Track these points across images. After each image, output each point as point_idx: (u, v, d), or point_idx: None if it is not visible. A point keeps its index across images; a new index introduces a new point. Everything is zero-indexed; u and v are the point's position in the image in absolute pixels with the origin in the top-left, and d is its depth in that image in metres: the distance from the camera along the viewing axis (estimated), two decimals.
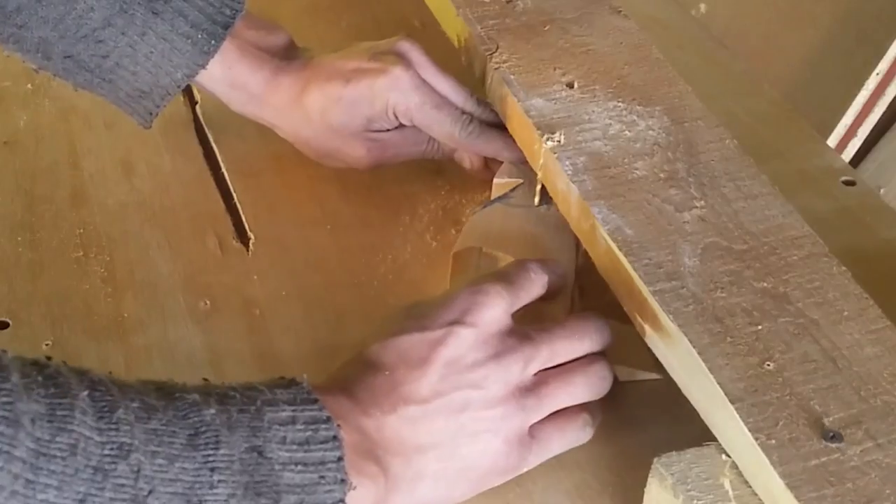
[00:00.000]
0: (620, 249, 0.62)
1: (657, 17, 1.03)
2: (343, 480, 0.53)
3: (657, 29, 0.98)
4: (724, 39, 1.04)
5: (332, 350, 0.70)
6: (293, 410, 0.54)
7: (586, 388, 0.62)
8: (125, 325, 0.70)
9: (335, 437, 0.54)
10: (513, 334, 0.61)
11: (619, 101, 0.73)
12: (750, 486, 0.55)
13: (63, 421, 0.47)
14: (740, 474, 0.55)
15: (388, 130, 0.78)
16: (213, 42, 0.75)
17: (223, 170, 0.83)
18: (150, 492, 0.48)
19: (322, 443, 0.53)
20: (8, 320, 0.70)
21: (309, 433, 0.53)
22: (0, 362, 0.47)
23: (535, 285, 0.64)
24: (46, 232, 0.77)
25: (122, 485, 0.47)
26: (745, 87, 0.96)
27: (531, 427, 0.61)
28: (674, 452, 0.56)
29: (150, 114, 0.78)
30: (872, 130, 1.67)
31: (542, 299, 0.65)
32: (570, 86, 0.74)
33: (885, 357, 0.58)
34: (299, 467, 0.52)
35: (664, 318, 0.58)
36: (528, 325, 0.63)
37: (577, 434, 0.63)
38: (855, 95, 1.65)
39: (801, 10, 1.67)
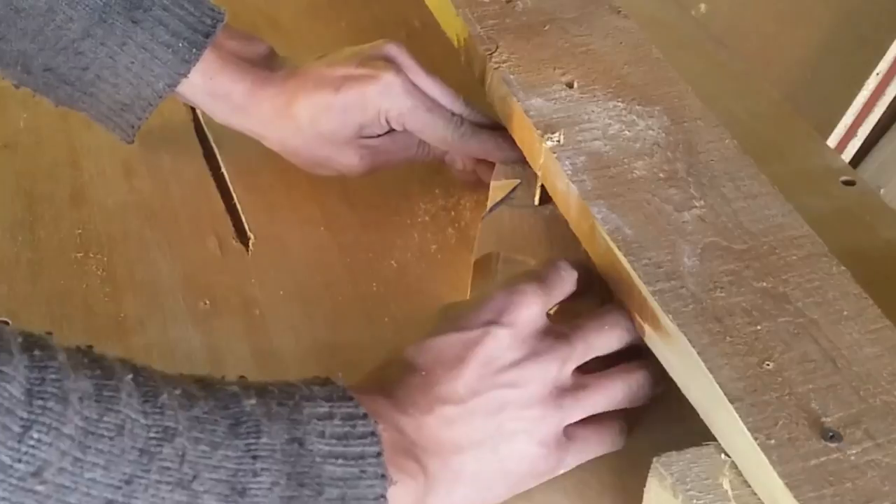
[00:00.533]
0: (620, 249, 0.62)
1: (657, 16, 1.03)
2: (383, 476, 0.53)
3: (657, 29, 0.98)
4: (725, 39, 1.04)
5: (332, 350, 0.70)
6: (330, 406, 0.54)
7: (625, 393, 0.62)
8: (125, 325, 0.70)
9: (373, 433, 0.54)
10: (549, 333, 0.61)
11: (618, 101, 0.73)
12: (749, 486, 0.55)
13: (110, 401, 0.47)
14: (740, 474, 0.55)
15: (379, 136, 0.77)
16: (193, 51, 0.74)
17: (223, 170, 0.83)
18: (194, 477, 0.48)
19: (360, 438, 0.54)
20: (8, 320, 0.70)
21: (347, 428, 0.54)
22: (46, 342, 0.47)
23: (567, 283, 0.64)
24: (46, 232, 0.77)
25: (168, 468, 0.48)
26: (745, 87, 0.96)
27: (568, 429, 0.61)
28: (673, 452, 0.56)
29: (133, 127, 0.77)
30: (872, 130, 1.67)
31: (573, 296, 0.65)
32: (570, 85, 0.74)
33: (884, 357, 0.58)
34: (340, 461, 0.53)
35: (663, 317, 0.58)
36: (562, 322, 0.63)
37: (614, 439, 0.63)
38: (855, 95, 1.65)
39: (802, 11, 1.67)
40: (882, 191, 1.60)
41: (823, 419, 0.54)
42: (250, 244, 0.77)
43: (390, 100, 0.75)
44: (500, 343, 0.59)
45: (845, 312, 0.60)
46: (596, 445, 0.63)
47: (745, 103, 0.93)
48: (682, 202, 0.66)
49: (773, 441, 0.53)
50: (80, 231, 0.77)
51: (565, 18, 0.80)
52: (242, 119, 0.78)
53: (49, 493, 0.44)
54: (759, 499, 0.54)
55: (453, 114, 0.77)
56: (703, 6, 1.59)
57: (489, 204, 0.77)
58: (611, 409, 0.63)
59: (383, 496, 0.53)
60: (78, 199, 0.80)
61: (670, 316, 0.58)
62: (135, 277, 0.74)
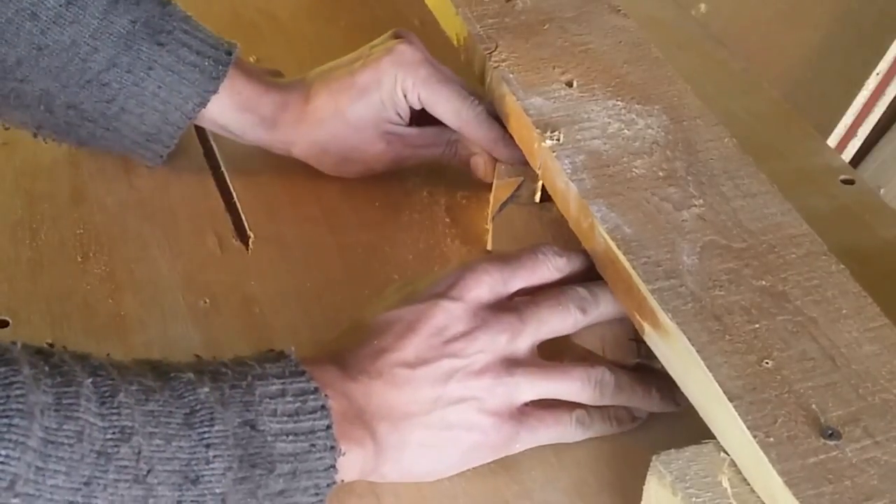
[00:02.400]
0: (619, 248, 0.62)
1: (656, 16, 1.03)
2: (333, 447, 0.55)
3: (656, 28, 0.98)
4: (724, 39, 1.04)
5: None
6: (282, 383, 0.56)
7: (583, 385, 0.62)
8: (125, 324, 0.70)
9: (323, 407, 0.56)
10: (501, 308, 0.62)
11: (618, 100, 0.73)
12: (748, 484, 0.55)
13: (69, 409, 0.48)
14: (739, 472, 0.55)
15: (405, 127, 0.78)
16: (220, 67, 0.75)
17: (223, 169, 0.83)
18: (149, 471, 0.50)
19: (311, 413, 0.55)
20: (8, 319, 0.70)
21: (298, 404, 0.55)
22: (11, 355, 0.48)
23: (542, 266, 0.65)
24: (46, 231, 0.77)
25: (125, 466, 0.49)
26: (744, 87, 0.96)
27: (523, 408, 0.62)
28: (672, 450, 0.56)
29: (160, 156, 0.78)
30: (872, 130, 1.67)
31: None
32: (570, 84, 0.74)
33: (883, 355, 0.58)
34: (290, 437, 0.54)
35: (663, 316, 0.58)
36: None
37: (569, 427, 0.63)
38: (855, 95, 1.65)
39: (801, 10, 1.67)
40: (882, 191, 1.60)
41: (822, 417, 0.54)
42: (250, 243, 0.77)
43: (404, 69, 0.75)
44: (449, 314, 0.61)
45: (844, 311, 0.60)
46: (551, 428, 0.63)
47: (745, 102, 0.93)
48: (682, 201, 0.66)
49: (772, 439, 0.53)
50: (80, 230, 0.77)
51: (565, 17, 0.80)
52: (271, 131, 0.78)
53: None
54: (758, 497, 0.54)
55: (469, 93, 0.77)
56: (702, 6, 1.59)
57: (492, 203, 0.77)
58: (568, 398, 0.63)
59: (333, 466, 0.55)
60: (78, 197, 0.80)
61: (669, 314, 0.58)
62: (135, 276, 0.74)
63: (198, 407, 0.53)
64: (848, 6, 1.65)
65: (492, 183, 0.79)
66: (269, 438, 0.54)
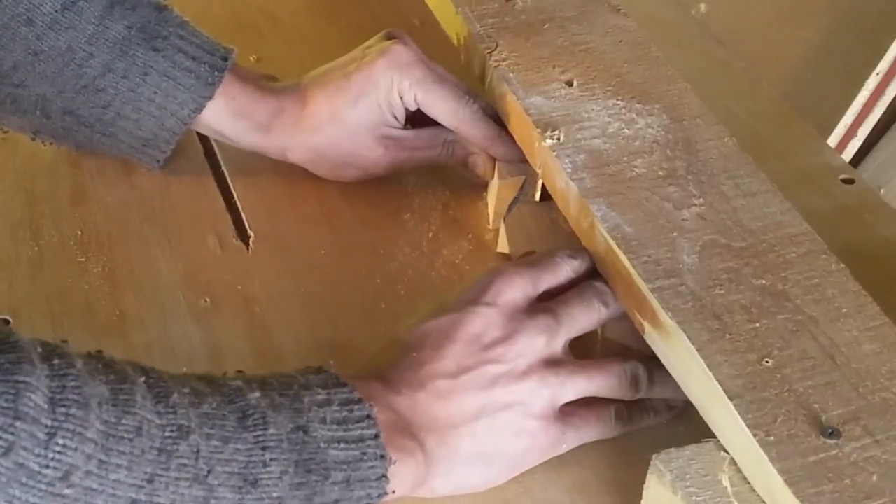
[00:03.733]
0: (619, 247, 0.62)
1: (657, 15, 1.03)
2: (383, 457, 0.55)
3: (656, 27, 0.98)
4: (724, 38, 1.04)
5: (332, 348, 0.70)
6: (327, 393, 0.56)
7: (619, 380, 0.63)
8: (125, 323, 0.70)
9: (369, 416, 0.55)
10: (534, 310, 0.62)
11: (618, 100, 0.73)
12: (748, 483, 0.55)
13: (126, 404, 0.48)
14: (739, 471, 0.55)
15: (402, 129, 0.77)
16: (216, 73, 0.75)
17: (223, 168, 0.83)
18: (209, 472, 0.50)
19: (358, 422, 0.55)
20: (8, 318, 0.70)
21: (345, 413, 0.55)
22: (63, 350, 0.48)
23: (562, 268, 0.65)
24: (47, 230, 0.77)
25: (185, 465, 0.49)
26: (744, 86, 0.96)
27: (564, 408, 0.62)
28: (672, 449, 0.56)
29: (157, 161, 0.78)
30: (872, 130, 1.67)
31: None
32: (570, 84, 0.74)
33: (883, 354, 0.58)
34: (342, 445, 0.54)
35: (663, 315, 0.59)
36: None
37: (609, 423, 0.64)
38: (855, 95, 1.65)
39: (801, 10, 1.67)
40: (882, 190, 1.60)
41: (822, 416, 0.54)
42: (250, 242, 0.77)
43: (400, 70, 0.75)
44: (484, 320, 0.61)
45: (844, 310, 0.60)
46: (594, 426, 0.63)
47: (745, 102, 0.93)
48: (682, 200, 0.66)
49: (772, 438, 0.53)
50: (80, 230, 0.77)
51: (565, 17, 0.80)
52: (266, 137, 0.78)
53: (77, 497, 0.46)
54: (758, 495, 0.54)
55: (464, 91, 0.77)
56: (702, 5, 1.60)
57: (495, 202, 0.77)
58: (606, 395, 0.63)
59: (384, 476, 0.55)
60: (78, 197, 0.80)
61: (669, 313, 0.58)
62: (135, 275, 0.74)
63: (250, 411, 0.53)
64: (848, 6, 1.65)
65: (488, 181, 0.79)
66: (322, 445, 0.54)
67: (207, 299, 0.73)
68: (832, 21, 1.67)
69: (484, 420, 0.59)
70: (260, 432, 0.52)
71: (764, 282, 0.61)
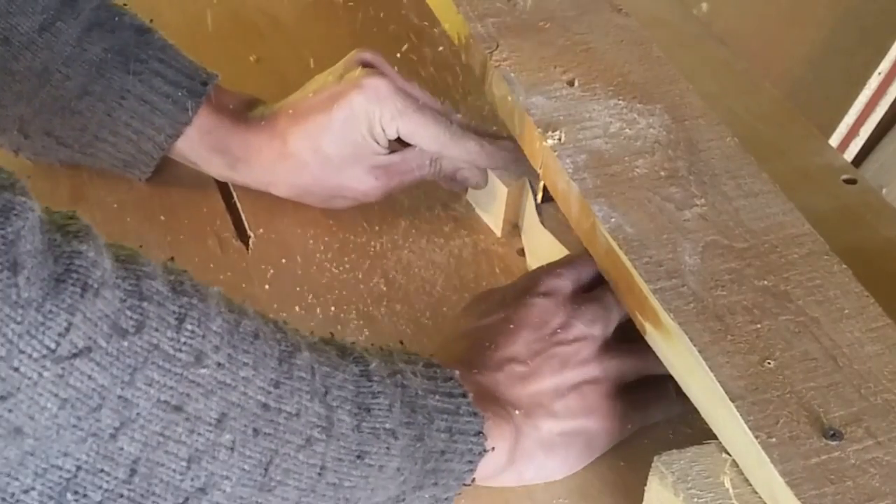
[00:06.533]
0: (621, 248, 0.62)
1: (658, 15, 1.03)
2: (475, 413, 0.57)
3: (658, 27, 0.97)
4: (726, 38, 1.04)
5: None
6: (408, 356, 0.58)
7: (656, 359, 0.63)
8: None
9: (453, 378, 0.58)
10: (584, 299, 0.66)
11: (619, 100, 0.73)
12: (750, 485, 0.54)
13: (241, 311, 0.50)
14: (741, 472, 0.55)
15: (389, 154, 0.75)
16: (194, 98, 0.74)
17: None
18: (326, 392, 0.51)
19: (445, 380, 0.58)
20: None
21: (431, 372, 0.58)
22: (175, 265, 0.49)
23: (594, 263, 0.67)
24: None
25: (303, 377, 0.51)
26: (746, 86, 0.96)
27: (626, 389, 0.64)
28: (674, 451, 0.56)
29: (139, 179, 0.78)
30: (875, 130, 1.67)
31: None
32: (571, 84, 0.73)
33: (885, 355, 0.58)
34: (437, 396, 0.57)
35: (665, 316, 0.58)
36: None
37: (671, 398, 0.65)
38: (857, 95, 1.65)
39: (803, 10, 1.67)
40: (884, 190, 1.60)
41: (824, 417, 0.54)
42: (250, 243, 0.77)
43: (380, 104, 0.73)
44: (544, 309, 0.64)
45: (846, 311, 0.60)
46: (658, 403, 0.66)
47: (747, 102, 0.93)
48: (684, 200, 0.65)
49: (774, 439, 0.53)
50: None
51: (566, 16, 0.80)
52: (245, 171, 0.77)
53: (212, 388, 0.47)
54: (760, 497, 0.54)
55: (441, 112, 0.76)
56: (704, 5, 1.59)
57: (502, 210, 0.77)
58: (660, 373, 0.63)
59: (481, 432, 0.57)
60: (78, 197, 0.79)
61: (671, 314, 0.58)
62: None
63: (348, 350, 0.55)
64: (850, 5, 1.65)
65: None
66: (420, 392, 0.56)
67: None
68: (834, 20, 1.67)
69: (560, 402, 0.62)
70: (362, 366, 0.54)
71: (766, 283, 0.61)
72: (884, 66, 1.62)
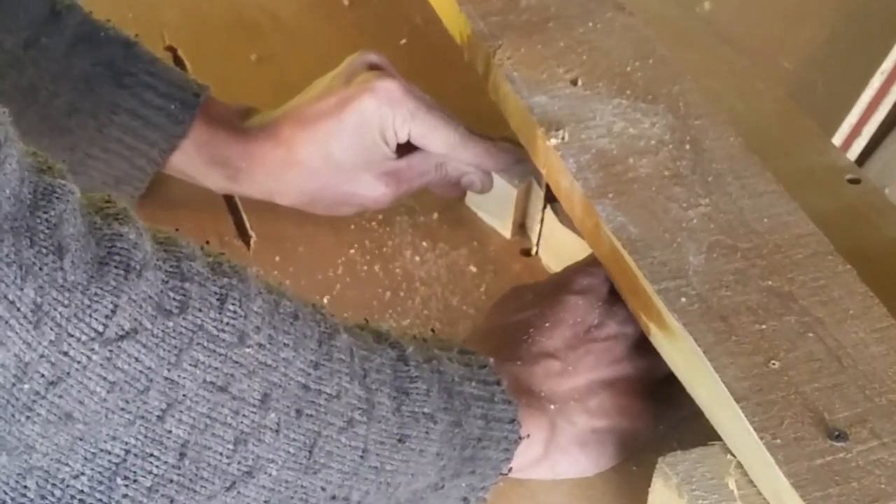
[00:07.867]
0: (625, 248, 0.61)
1: (661, 14, 1.02)
2: (510, 402, 0.58)
3: (661, 26, 0.97)
4: (728, 37, 1.03)
5: None
6: (443, 343, 0.59)
7: None
8: None
9: (488, 366, 0.58)
10: (618, 297, 0.65)
11: (623, 99, 0.72)
12: (755, 486, 0.54)
13: (279, 291, 0.50)
14: (745, 474, 0.55)
15: (395, 160, 0.74)
16: (187, 111, 0.72)
17: None
18: (364, 375, 0.52)
19: (480, 367, 0.58)
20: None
21: (466, 359, 0.58)
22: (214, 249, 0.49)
23: None
24: None
25: (343, 360, 0.51)
26: (749, 85, 0.96)
27: (658, 389, 0.65)
28: (678, 452, 0.56)
29: (132, 197, 0.75)
30: (878, 129, 1.67)
31: None
32: (574, 83, 0.73)
33: (890, 356, 0.57)
34: (473, 383, 0.57)
35: (669, 316, 0.58)
36: None
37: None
38: (860, 94, 1.64)
39: (806, 9, 1.67)
40: (887, 190, 1.60)
41: (829, 418, 0.54)
42: (251, 242, 0.77)
43: (392, 107, 0.72)
44: (577, 307, 0.65)
45: (851, 311, 0.59)
46: (688, 403, 0.64)
47: (750, 101, 0.93)
48: (688, 200, 0.65)
49: (778, 440, 0.53)
50: None
51: (569, 15, 0.80)
52: (247, 182, 0.75)
53: (254, 369, 0.46)
54: (764, 499, 0.54)
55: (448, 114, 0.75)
56: (707, 4, 1.59)
57: (511, 211, 0.77)
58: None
59: (515, 420, 0.58)
60: None
61: (675, 315, 0.58)
62: None
63: (384, 335, 0.55)
64: (853, 4, 1.65)
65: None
66: (456, 378, 0.56)
67: None
68: (837, 19, 1.66)
69: (594, 399, 0.62)
70: (399, 351, 0.54)
71: (770, 283, 0.60)
72: (887, 65, 1.62)
